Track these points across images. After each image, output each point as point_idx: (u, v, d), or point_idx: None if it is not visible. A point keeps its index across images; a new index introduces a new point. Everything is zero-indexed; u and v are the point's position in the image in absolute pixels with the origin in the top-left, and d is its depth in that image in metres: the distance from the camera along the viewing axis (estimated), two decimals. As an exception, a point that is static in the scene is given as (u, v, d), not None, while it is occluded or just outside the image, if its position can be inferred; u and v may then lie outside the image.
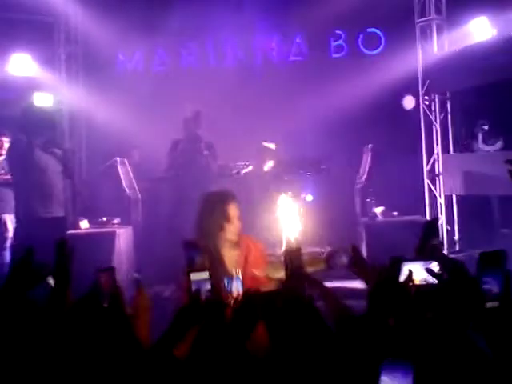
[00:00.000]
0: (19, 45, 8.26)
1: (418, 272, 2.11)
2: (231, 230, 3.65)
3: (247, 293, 2.35)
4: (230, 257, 3.66)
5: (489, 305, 1.86)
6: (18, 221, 6.40)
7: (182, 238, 2.61)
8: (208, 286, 2.21)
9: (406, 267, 2.12)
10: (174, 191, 7.89)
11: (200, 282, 2.21)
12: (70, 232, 7.61)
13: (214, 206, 3.70)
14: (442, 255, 2.25)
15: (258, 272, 3.59)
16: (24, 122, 6.25)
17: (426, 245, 2.34)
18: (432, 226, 2.42)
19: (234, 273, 3.31)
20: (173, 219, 7.60)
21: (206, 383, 1.99)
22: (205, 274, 2.24)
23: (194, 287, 2.21)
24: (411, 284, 2.09)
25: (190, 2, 8.95)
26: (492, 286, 1.88)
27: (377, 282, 2.09)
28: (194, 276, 2.24)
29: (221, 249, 3.65)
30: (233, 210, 3.67)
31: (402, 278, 2.10)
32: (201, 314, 2.15)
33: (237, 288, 2.53)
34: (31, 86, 7.87)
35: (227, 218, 3.63)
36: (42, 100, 6.83)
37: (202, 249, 2.61)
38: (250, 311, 2.21)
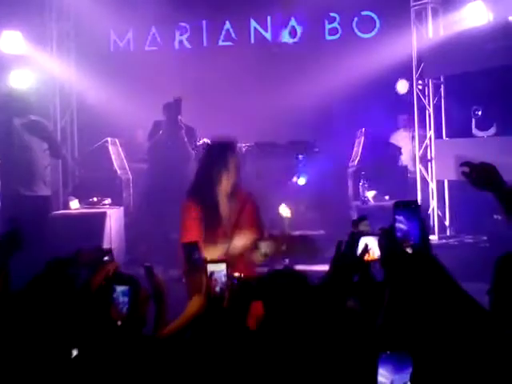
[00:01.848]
0: (10, 21, 8.15)
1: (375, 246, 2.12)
2: (228, 180, 3.71)
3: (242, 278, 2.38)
4: (226, 208, 3.74)
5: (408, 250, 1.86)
6: (1, 199, 6.43)
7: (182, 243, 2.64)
8: (224, 278, 2.22)
9: (363, 241, 2.17)
10: (154, 175, 7.89)
11: (217, 273, 2.23)
12: (61, 212, 7.60)
13: (214, 154, 3.79)
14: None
15: (248, 234, 3.66)
16: (3, 102, 6.25)
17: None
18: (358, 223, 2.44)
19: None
20: (153, 203, 7.59)
21: (209, 362, 2.00)
22: (222, 266, 2.25)
23: (212, 278, 2.22)
24: (367, 257, 2.17)
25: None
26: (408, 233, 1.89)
27: (336, 254, 2.18)
28: (211, 267, 2.25)
29: (218, 199, 3.72)
30: (232, 159, 3.74)
31: (359, 251, 2.17)
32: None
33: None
34: (22, 63, 7.79)
35: (226, 166, 3.70)
36: (20, 78, 6.72)
37: (200, 247, 2.63)
38: (246, 293, 2.24)
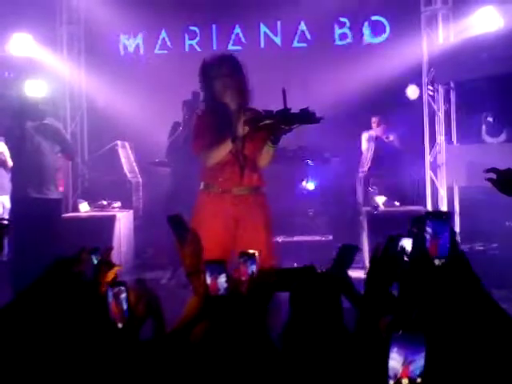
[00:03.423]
0: (21, 24, 8.18)
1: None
2: (230, 98, 3.92)
3: (261, 270, 2.36)
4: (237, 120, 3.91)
5: (436, 262, 1.84)
6: (12, 202, 6.47)
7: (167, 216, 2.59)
8: (224, 278, 2.19)
9: (402, 243, 2.12)
10: (173, 175, 7.84)
11: (216, 273, 2.19)
12: (70, 215, 7.60)
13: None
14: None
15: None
16: (16, 108, 6.33)
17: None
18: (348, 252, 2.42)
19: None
20: (170, 204, 7.57)
21: (224, 363, 1.99)
22: (220, 265, 2.23)
23: (209, 279, 2.19)
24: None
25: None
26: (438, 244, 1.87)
27: (373, 257, 2.10)
28: (210, 267, 2.22)
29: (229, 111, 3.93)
30: (222, 81, 3.91)
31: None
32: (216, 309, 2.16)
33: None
34: (32, 66, 7.82)
35: (216, 86, 3.90)
36: (35, 88, 6.79)
37: (187, 222, 2.61)
38: (265, 287, 2.23)
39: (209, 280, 2.20)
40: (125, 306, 2.06)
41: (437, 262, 1.80)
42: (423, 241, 1.83)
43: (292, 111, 3.58)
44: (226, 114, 3.92)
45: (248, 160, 3.92)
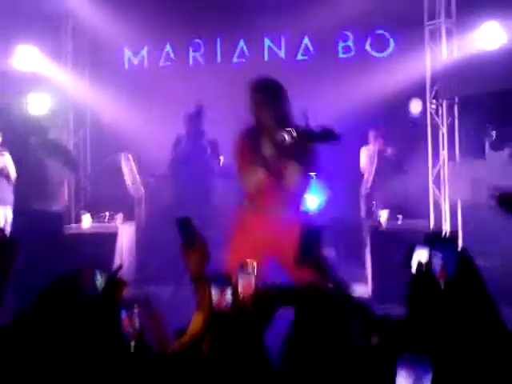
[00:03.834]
0: (26, 37, 8.21)
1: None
2: (262, 116, 3.99)
3: (264, 285, 2.37)
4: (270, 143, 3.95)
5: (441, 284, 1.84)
6: (15, 214, 6.49)
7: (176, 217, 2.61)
8: (229, 292, 2.20)
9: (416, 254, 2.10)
10: (175, 188, 7.84)
11: (221, 286, 2.20)
12: (73, 227, 7.60)
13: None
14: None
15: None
16: (20, 123, 6.38)
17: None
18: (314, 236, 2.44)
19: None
20: (173, 217, 7.55)
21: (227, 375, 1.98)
22: (226, 278, 2.24)
23: (215, 293, 2.20)
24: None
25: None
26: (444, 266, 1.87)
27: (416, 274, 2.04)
28: (216, 280, 2.23)
29: (260, 134, 4.01)
30: (254, 96, 4.02)
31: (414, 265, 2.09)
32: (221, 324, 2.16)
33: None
34: (36, 80, 7.86)
35: (252, 105, 4.01)
36: (38, 101, 6.82)
37: (195, 226, 2.61)
38: (269, 302, 2.22)
39: (214, 293, 2.21)
40: (137, 325, 2.08)
41: (442, 283, 1.80)
42: (430, 262, 1.83)
43: (313, 130, 3.68)
44: (260, 136, 4.00)
45: (283, 179, 3.96)
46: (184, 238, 2.54)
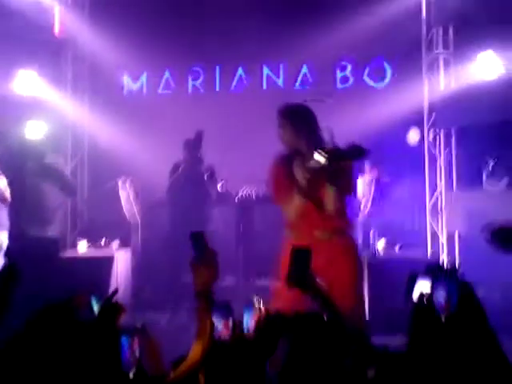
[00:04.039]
0: (27, 62, 8.25)
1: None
2: (287, 142, 4.06)
3: (268, 313, 2.35)
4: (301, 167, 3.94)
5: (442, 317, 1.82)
6: (10, 239, 6.46)
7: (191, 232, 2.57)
8: (230, 323, 2.18)
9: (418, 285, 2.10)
10: (172, 214, 7.79)
11: (223, 317, 2.19)
12: (68, 253, 7.55)
13: None
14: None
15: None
16: (18, 148, 6.39)
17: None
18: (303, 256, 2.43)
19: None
20: (170, 244, 7.51)
21: None
22: (227, 309, 2.22)
23: (217, 323, 2.18)
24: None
25: (198, 27, 8.99)
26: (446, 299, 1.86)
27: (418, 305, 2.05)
28: (218, 311, 2.21)
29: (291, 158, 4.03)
30: (280, 122, 4.12)
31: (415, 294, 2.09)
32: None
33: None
34: (35, 105, 7.88)
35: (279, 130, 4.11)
36: (35, 128, 6.82)
37: (207, 241, 2.58)
38: (273, 331, 2.20)
39: (216, 323, 2.19)
40: (137, 352, 2.06)
41: (443, 316, 1.78)
42: (432, 294, 1.82)
43: (342, 148, 3.67)
44: (294, 163, 4.00)
45: (322, 204, 3.90)
46: (196, 252, 2.51)
